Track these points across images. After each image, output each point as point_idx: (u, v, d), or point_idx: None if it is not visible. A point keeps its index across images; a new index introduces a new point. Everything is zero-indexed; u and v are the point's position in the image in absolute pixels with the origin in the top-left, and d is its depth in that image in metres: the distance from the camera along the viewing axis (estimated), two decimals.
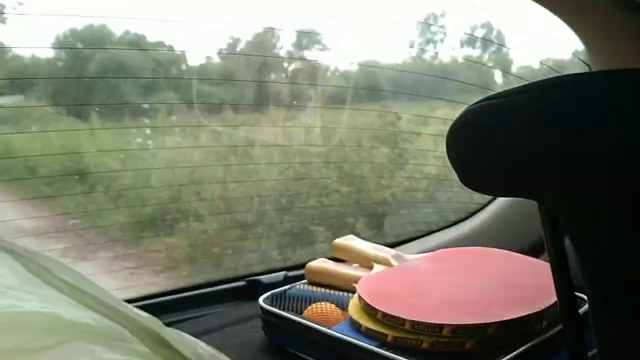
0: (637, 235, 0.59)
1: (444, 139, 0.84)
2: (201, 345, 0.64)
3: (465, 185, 0.77)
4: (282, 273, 1.51)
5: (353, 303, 1.15)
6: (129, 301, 1.30)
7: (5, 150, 4.77)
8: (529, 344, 0.99)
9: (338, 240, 1.37)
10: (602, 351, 0.67)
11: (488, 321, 0.98)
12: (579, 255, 0.64)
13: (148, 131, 3.95)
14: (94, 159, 3.84)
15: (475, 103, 0.72)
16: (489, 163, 0.72)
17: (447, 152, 0.76)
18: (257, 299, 1.27)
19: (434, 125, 3.20)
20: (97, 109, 5.21)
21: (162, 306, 1.39)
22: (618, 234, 0.60)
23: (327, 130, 3.32)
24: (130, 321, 0.45)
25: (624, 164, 0.56)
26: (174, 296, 1.47)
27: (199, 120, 4.93)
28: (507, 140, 0.68)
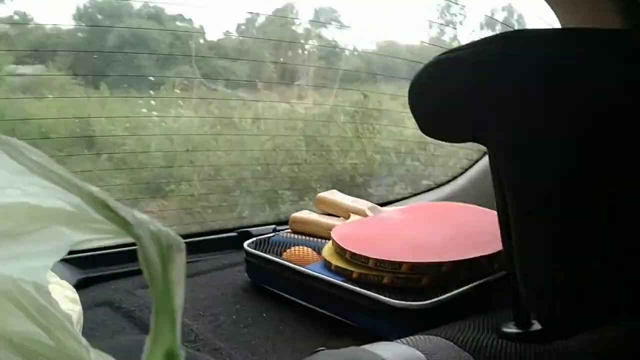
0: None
1: None
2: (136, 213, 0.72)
3: (424, 133, 0.85)
4: (272, 226, 1.64)
5: (327, 247, 1.29)
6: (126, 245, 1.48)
7: (23, 117, 5.21)
8: (477, 282, 1.10)
9: (322, 194, 1.51)
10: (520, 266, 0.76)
11: (442, 260, 1.10)
12: (508, 190, 0.72)
13: (153, 102, 4.24)
14: (100, 126, 4.14)
15: (435, 57, 0.79)
16: (446, 111, 0.80)
17: (409, 102, 0.83)
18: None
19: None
20: (109, 79, 5.57)
21: None
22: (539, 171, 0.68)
23: (318, 107, 3.51)
24: (91, 197, 0.52)
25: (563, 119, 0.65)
26: None
27: (206, 94, 5.26)
28: (463, 89, 0.75)
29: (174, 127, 3.54)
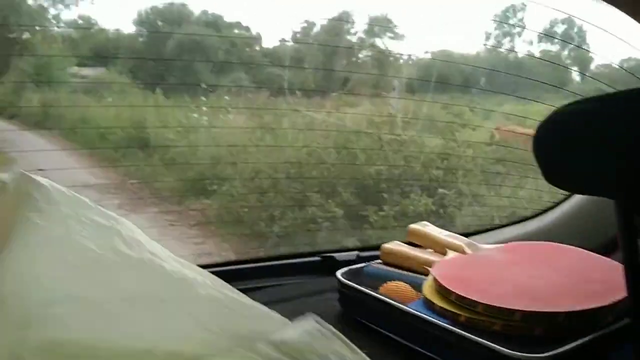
0: None
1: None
2: None
3: (548, 182, 0.83)
4: (355, 252, 1.61)
5: (427, 284, 1.22)
6: (210, 266, 1.44)
7: (83, 118, 5.70)
8: (594, 334, 1.04)
9: (413, 226, 1.47)
10: None
11: (558, 310, 1.03)
12: None
13: (204, 108, 4.56)
14: (155, 129, 4.50)
15: (564, 106, 0.78)
16: (574, 161, 0.78)
17: (534, 150, 0.82)
18: (331, 274, 1.37)
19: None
20: (166, 85, 5.98)
21: (239, 273, 1.53)
22: None
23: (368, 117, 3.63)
24: None
25: None
26: (250, 265, 1.60)
27: (256, 100, 5.57)
28: (592, 142, 0.74)
29: (221, 132, 3.81)
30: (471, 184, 2.36)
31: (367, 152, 2.69)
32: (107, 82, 8.83)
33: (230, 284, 1.11)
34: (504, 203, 2.26)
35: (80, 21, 13.38)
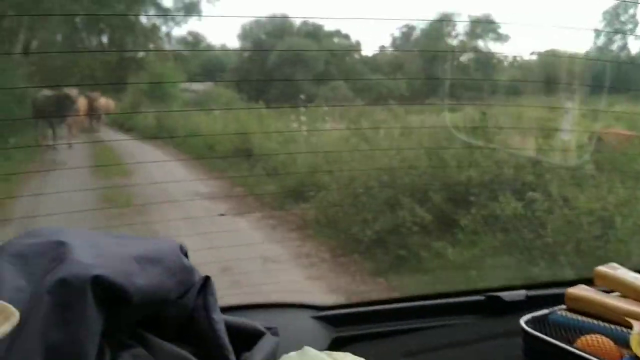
0: None
1: None
2: None
3: None
4: (523, 292, 1.46)
5: (636, 339, 1.08)
6: (362, 304, 1.38)
7: (193, 130, 6.27)
8: None
9: (601, 268, 1.33)
10: None
11: None
12: None
13: (303, 118, 4.88)
14: (258, 139, 4.89)
15: None
16: None
17: None
18: (498, 315, 1.29)
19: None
20: (269, 95, 6.39)
21: (396, 313, 1.44)
22: None
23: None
24: None
25: None
26: (407, 303, 1.48)
27: (358, 110, 5.82)
28: None
29: (319, 141, 4.07)
30: (562, 187, 2.38)
31: (458, 158, 2.80)
32: (214, 95, 9.54)
33: (387, 324, 1.18)
34: (594, 207, 2.27)
35: (189, 37, 14.34)
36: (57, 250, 0.75)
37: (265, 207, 3.74)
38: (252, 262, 2.66)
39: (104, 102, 8.95)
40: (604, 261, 1.33)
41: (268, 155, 4.38)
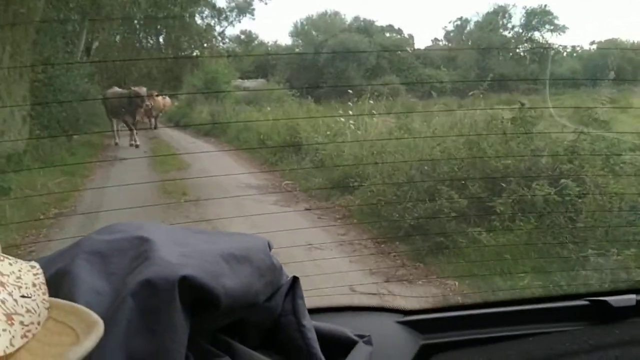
0: None
1: None
2: None
3: None
4: (632, 296, 1.30)
5: None
6: (453, 308, 1.27)
7: (245, 126, 6.56)
8: None
9: None
10: None
11: None
12: None
13: (350, 112, 5.07)
14: (306, 133, 5.11)
15: None
16: None
17: None
18: (604, 322, 1.20)
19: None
20: (320, 91, 6.63)
21: (490, 318, 1.32)
22: None
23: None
24: None
25: None
26: (503, 309, 1.36)
27: (409, 103, 5.97)
28: None
29: (365, 134, 4.25)
30: (596, 175, 2.44)
31: (495, 147, 2.90)
32: (266, 91, 9.91)
33: (479, 331, 1.12)
34: (623, 189, 2.32)
35: (242, 36, 14.84)
36: (140, 248, 0.68)
37: (312, 198, 3.97)
38: (297, 248, 2.88)
39: (163, 99, 9.43)
40: None
41: (315, 149, 4.60)
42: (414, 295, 2.37)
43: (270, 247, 0.77)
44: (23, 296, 0.44)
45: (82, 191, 4.61)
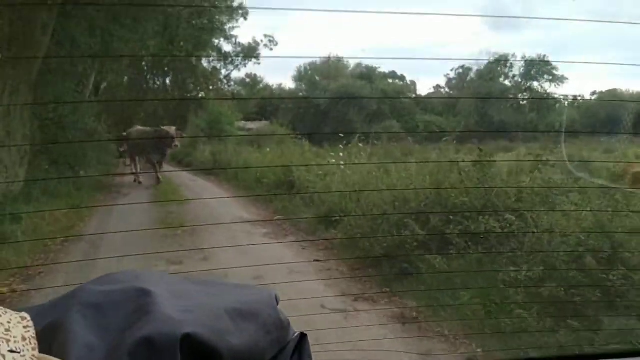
0: None
1: None
2: None
3: None
4: None
5: None
6: None
7: (245, 164, 7.09)
8: None
9: None
10: None
11: None
12: None
13: (342, 154, 5.57)
14: (299, 173, 5.61)
15: None
16: None
17: None
18: None
19: None
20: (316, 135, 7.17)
21: None
22: None
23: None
24: None
25: None
26: None
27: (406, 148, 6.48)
28: None
29: (352, 176, 4.75)
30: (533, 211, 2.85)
31: (456, 186, 3.33)
32: (268, 132, 10.51)
33: None
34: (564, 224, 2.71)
35: (247, 79, 15.62)
36: (140, 301, 0.66)
37: (300, 232, 4.42)
38: (280, 272, 3.31)
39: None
40: None
41: (307, 186, 5.08)
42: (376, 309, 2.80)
43: (277, 301, 0.75)
44: (11, 351, 0.43)
45: (88, 221, 5.09)
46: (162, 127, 8.50)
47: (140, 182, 7.77)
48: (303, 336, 0.75)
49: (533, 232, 2.66)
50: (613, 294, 2.25)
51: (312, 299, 2.89)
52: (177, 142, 8.37)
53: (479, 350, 2.31)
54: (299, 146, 7.53)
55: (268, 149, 8.01)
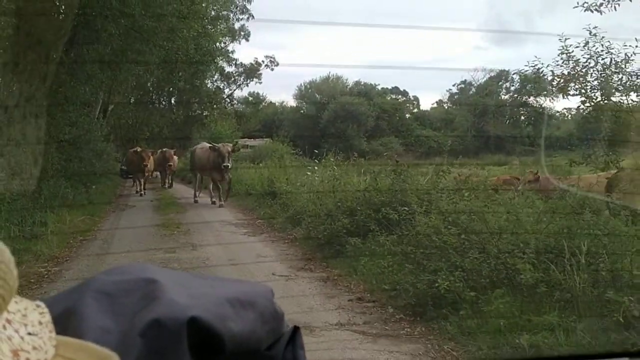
0: None
1: None
2: None
3: None
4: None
5: None
6: None
7: (238, 179, 8.77)
8: None
9: None
10: None
11: None
12: None
13: (316, 167, 7.04)
14: (279, 184, 7.16)
15: None
16: None
17: None
18: None
19: None
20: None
21: None
22: None
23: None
24: None
25: None
26: None
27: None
28: None
29: (321, 183, 6.25)
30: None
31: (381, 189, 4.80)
32: (270, 148, 12.10)
33: None
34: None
35: (250, 98, 17.29)
36: (148, 288, 0.72)
37: (273, 230, 5.94)
38: (250, 257, 4.80)
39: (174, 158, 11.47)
40: None
41: (283, 194, 6.63)
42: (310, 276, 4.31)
43: (272, 295, 0.82)
44: (29, 334, 0.47)
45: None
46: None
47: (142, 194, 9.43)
48: (296, 329, 0.82)
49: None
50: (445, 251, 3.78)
51: (267, 271, 4.39)
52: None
53: (367, 294, 3.84)
54: (296, 161, 9.13)
55: (261, 164, 9.59)
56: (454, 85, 17.24)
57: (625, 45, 4.77)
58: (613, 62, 5.06)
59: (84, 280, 0.72)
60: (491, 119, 16.16)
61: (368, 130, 14.95)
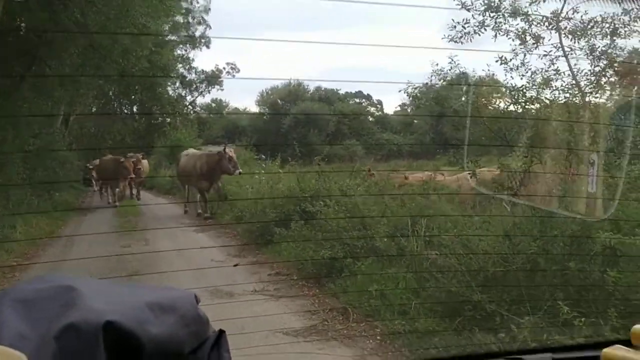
0: None
1: None
2: None
3: None
4: (548, 355, 1.58)
5: None
6: None
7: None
8: None
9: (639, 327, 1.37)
10: None
11: None
12: None
13: (263, 171, 8.29)
14: (232, 187, 8.39)
15: None
16: None
17: None
18: None
19: None
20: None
21: None
22: None
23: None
24: None
25: None
26: None
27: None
28: None
29: (266, 185, 7.50)
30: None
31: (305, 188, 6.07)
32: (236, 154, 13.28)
33: None
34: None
35: (213, 104, 18.55)
36: (67, 295, 0.79)
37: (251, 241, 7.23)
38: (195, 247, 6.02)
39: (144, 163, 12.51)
40: None
41: (234, 200, 7.87)
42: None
43: (197, 300, 0.88)
44: None
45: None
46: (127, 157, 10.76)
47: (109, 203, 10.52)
48: (221, 332, 0.89)
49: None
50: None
51: (208, 258, 5.61)
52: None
53: (284, 269, 5.12)
54: (257, 166, 10.40)
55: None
56: (415, 89, 18.16)
57: None
58: None
59: (4, 289, 0.81)
60: (448, 122, 17.41)
61: (329, 135, 16.20)
